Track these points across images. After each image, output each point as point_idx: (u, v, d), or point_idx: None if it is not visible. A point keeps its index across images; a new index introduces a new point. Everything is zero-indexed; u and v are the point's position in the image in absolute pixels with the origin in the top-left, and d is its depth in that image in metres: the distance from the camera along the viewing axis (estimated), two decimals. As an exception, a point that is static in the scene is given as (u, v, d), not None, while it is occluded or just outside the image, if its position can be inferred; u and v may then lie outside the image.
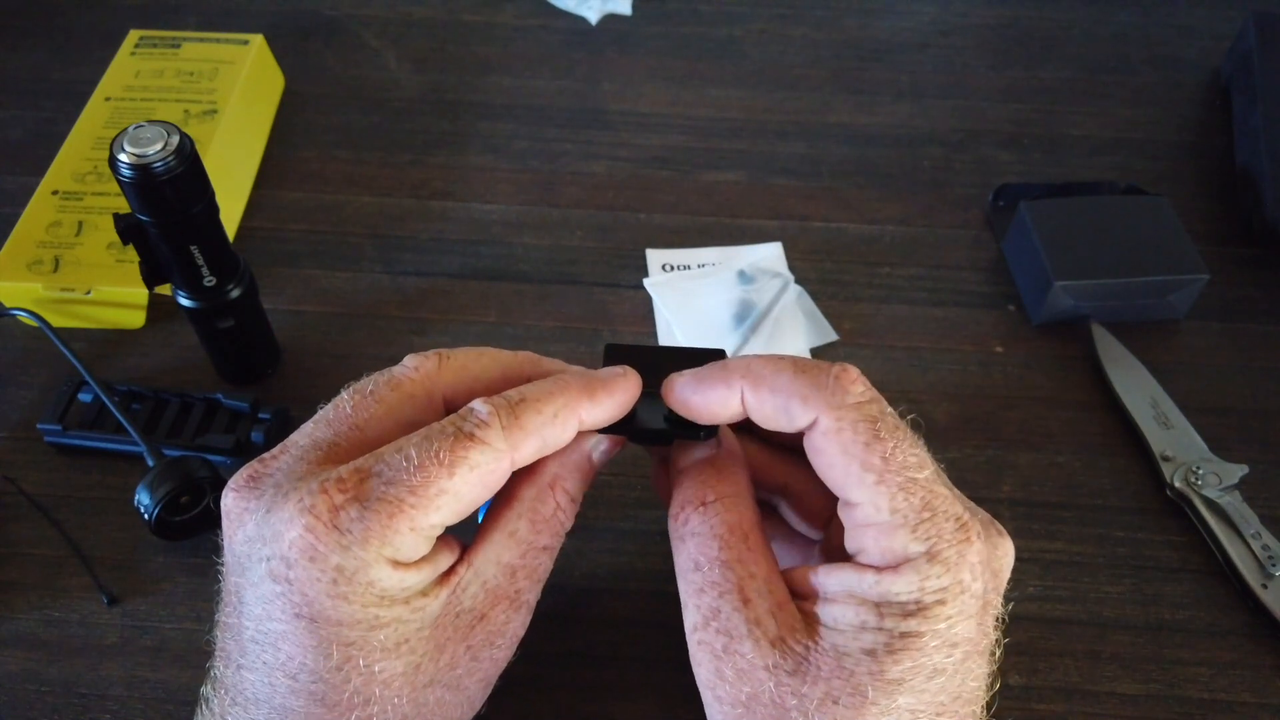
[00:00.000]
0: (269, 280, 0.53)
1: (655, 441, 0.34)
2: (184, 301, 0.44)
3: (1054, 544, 0.44)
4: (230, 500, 0.29)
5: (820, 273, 0.55)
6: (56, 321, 0.49)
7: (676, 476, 0.33)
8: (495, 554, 0.30)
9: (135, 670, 0.40)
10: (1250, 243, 0.56)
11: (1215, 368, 0.51)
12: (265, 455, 0.30)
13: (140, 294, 0.50)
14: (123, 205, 0.44)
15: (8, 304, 0.50)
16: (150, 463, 0.42)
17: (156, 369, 0.50)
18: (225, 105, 0.57)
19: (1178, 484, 0.45)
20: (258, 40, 0.61)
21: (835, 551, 0.33)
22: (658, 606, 0.41)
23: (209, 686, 0.30)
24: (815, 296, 0.53)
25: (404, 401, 0.31)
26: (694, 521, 0.31)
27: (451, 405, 0.31)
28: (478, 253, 0.55)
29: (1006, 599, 0.30)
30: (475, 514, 0.32)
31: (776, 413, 0.30)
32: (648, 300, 0.53)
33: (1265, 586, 0.42)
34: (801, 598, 0.29)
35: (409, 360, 0.32)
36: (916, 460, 0.28)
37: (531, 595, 0.32)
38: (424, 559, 0.28)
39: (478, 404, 0.29)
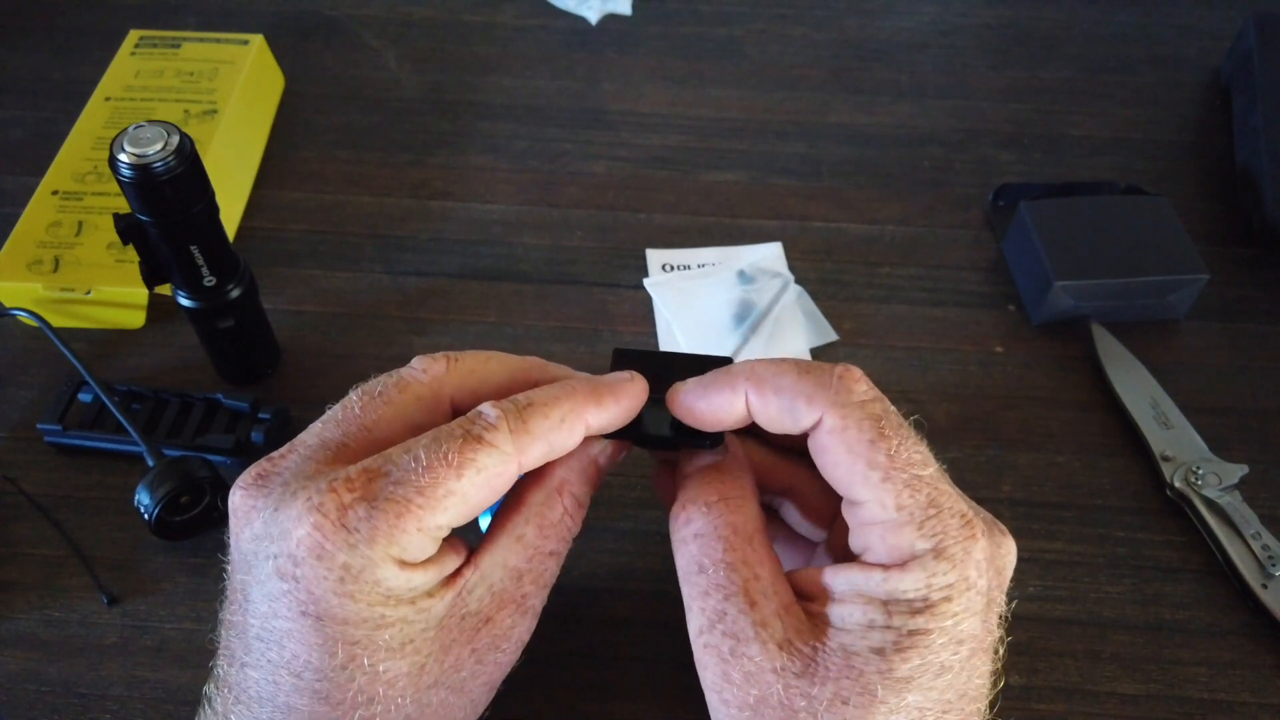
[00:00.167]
0: (269, 280, 0.53)
1: (661, 448, 0.34)
2: (184, 301, 0.44)
3: (1054, 544, 0.44)
4: (238, 498, 0.29)
5: (820, 273, 0.55)
6: (56, 321, 0.49)
7: (681, 480, 0.33)
8: (502, 558, 0.30)
9: (135, 670, 0.40)
10: (1250, 243, 0.56)
11: (1215, 368, 0.51)
12: (273, 454, 0.30)
13: (140, 294, 0.50)
14: (123, 205, 0.44)
15: (8, 304, 0.50)
16: (150, 463, 0.42)
17: (156, 369, 0.50)
18: (225, 105, 0.57)
19: (1178, 484, 0.45)
20: (258, 40, 0.61)
21: (838, 552, 0.33)
22: (658, 606, 0.41)
23: (212, 685, 0.30)
24: (815, 296, 0.53)
25: (412, 403, 0.31)
26: (698, 523, 0.31)
27: (459, 408, 0.31)
28: (478, 253, 0.55)
29: (1007, 598, 0.30)
30: (478, 521, 0.32)
31: (781, 414, 0.30)
32: (648, 300, 0.53)
33: (1265, 586, 0.42)
34: (807, 599, 0.29)
35: (417, 362, 0.32)
36: (921, 458, 0.29)
37: (537, 600, 0.32)
38: (430, 560, 0.28)
39: (486, 407, 0.29)
